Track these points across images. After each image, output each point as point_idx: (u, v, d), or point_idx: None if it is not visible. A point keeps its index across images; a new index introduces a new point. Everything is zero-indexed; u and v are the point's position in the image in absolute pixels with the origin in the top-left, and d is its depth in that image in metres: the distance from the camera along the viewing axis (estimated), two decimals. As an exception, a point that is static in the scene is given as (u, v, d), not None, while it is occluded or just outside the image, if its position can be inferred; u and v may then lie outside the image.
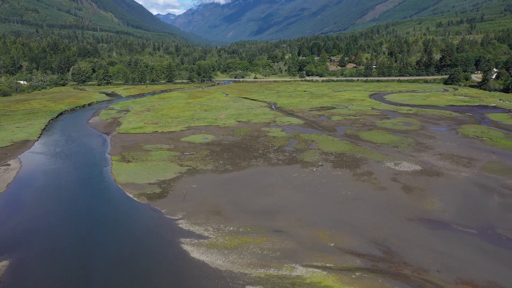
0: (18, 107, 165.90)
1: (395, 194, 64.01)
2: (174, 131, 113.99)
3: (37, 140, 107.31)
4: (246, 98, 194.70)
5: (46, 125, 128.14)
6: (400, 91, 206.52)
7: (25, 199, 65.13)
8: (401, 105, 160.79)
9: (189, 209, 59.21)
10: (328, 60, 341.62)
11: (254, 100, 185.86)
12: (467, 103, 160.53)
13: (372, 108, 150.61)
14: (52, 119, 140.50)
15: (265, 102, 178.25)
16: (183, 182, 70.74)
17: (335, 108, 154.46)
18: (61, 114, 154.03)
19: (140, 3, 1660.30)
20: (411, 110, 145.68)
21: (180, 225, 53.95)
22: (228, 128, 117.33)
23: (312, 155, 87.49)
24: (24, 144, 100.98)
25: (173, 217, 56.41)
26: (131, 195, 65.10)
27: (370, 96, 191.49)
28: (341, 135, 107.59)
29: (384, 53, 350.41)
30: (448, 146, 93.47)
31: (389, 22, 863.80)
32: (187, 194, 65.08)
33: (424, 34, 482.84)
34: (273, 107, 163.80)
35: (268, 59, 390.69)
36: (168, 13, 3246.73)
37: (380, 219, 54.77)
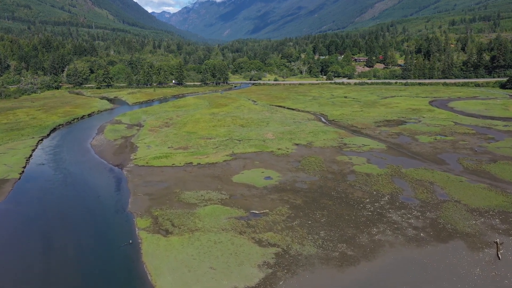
0: (0, 119, 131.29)
1: None
2: (216, 163, 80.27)
3: (19, 179, 73.29)
4: (280, 106, 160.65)
5: (33, 150, 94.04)
6: (459, 98, 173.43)
7: None
8: (483, 117, 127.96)
9: None
10: (352, 59, 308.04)
11: (293, 109, 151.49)
12: None
13: (455, 123, 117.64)
14: (42, 139, 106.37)
15: (308, 112, 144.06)
16: (286, 297, 37.35)
17: (405, 122, 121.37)
18: (54, 130, 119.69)
19: (135, 0, 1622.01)
20: (508, 126, 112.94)
21: None
22: (289, 157, 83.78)
23: (458, 216, 54.48)
24: (-2, 190, 66.88)
25: None
26: None
27: (431, 103, 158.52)
28: (460, 170, 74.45)
29: (411, 52, 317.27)
30: None
31: (394, 20, 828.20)
32: None
33: (444, 32, 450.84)
34: (323, 120, 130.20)
35: (282, 58, 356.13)
36: (163, 11, 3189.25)
37: None
